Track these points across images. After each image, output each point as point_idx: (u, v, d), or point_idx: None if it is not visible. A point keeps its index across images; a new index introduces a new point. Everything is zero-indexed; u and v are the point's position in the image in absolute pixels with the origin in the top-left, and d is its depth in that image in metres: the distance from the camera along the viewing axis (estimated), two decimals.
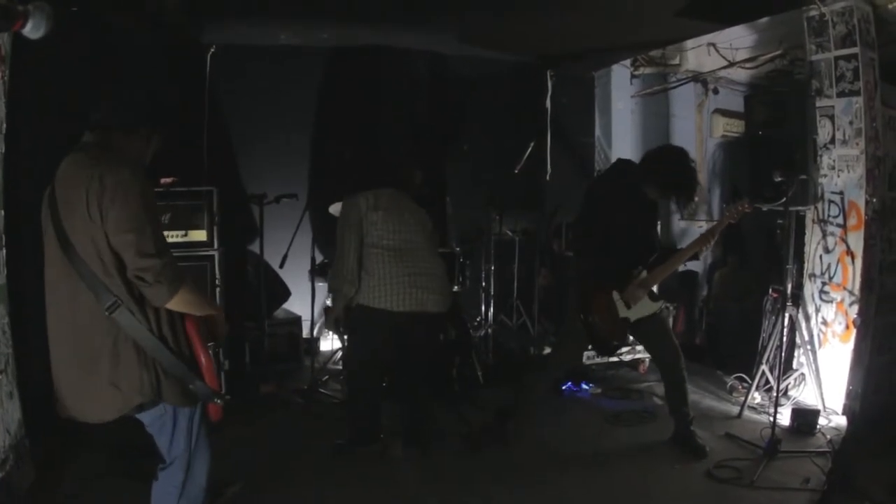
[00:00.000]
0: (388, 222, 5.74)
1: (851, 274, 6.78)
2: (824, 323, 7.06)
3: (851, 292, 6.77)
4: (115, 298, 3.32)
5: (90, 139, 3.58)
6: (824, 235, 7.03)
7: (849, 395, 6.73)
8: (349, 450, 5.90)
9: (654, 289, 6.24)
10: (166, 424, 3.62)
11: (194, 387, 3.47)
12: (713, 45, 9.48)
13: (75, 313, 3.40)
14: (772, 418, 6.05)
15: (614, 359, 8.05)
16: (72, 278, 3.36)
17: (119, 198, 3.29)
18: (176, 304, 3.43)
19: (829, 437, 6.32)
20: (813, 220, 7.14)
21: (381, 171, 6.28)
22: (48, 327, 3.53)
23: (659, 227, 6.67)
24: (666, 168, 5.90)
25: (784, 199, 6.39)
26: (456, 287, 7.67)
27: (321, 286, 8.18)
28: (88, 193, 3.28)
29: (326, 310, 7.91)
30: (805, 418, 6.52)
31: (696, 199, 6.35)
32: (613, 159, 9.74)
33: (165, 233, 3.56)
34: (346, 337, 6.83)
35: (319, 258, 7.90)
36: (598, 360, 7.90)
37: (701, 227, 10.48)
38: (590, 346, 6.42)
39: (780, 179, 6.36)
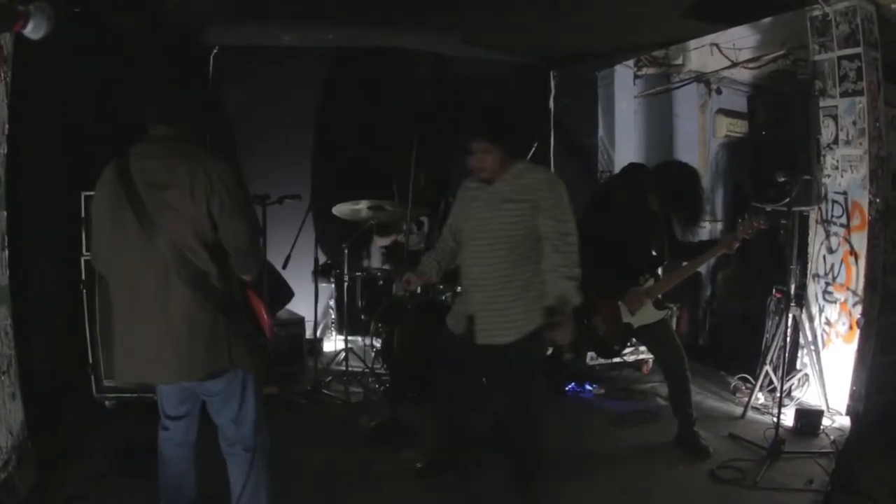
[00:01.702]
0: None
1: (855, 274, 6.76)
2: (828, 323, 7.04)
3: (855, 293, 6.75)
4: (199, 268, 3.64)
5: (165, 132, 3.80)
6: (828, 236, 7.01)
7: (852, 395, 6.72)
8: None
9: (660, 295, 6.25)
10: (236, 392, 3.90)
11: (258, 344, 3.84)
12: (716, 45, 9.47)
13: (156, 287, 3.64)
14: (775, 419, 6.05)
15: (618, 360, 8.05)
16: (152, 255, 3.61)
17: (224, 188, 3.63)
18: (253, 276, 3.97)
19: (832, 437, 6.30)
20: (816, 221, 7.13)
21: None
22: (117, 303, 3.82)
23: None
24: (673, 185, 5.92)
25: (787, 199, 6.38)
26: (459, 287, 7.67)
27: (324, 287, 8.17)
28: (194, 189, 3.57)
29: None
30: (808, 419, 6.51)
31: (701, 223, 6.34)
32: (617, 160, 9.75)
33: None
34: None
35: (322, 259, 7.90)
36: (602, 360, 7.88)
37: (703, 226, 10.48)
38: (591, 350, 6.42)
39: (783, 180, 6.36)
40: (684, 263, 6.32)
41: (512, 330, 4.87)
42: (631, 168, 6.49)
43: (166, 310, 3.62)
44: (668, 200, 6.01)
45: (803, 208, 6.93)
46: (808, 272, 7.24)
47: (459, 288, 5.42)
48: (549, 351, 6.19)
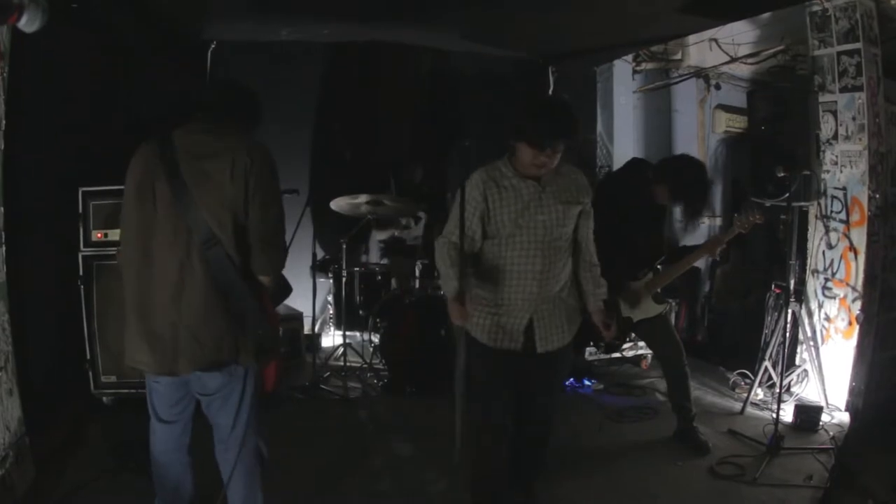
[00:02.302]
0: None
1: (854, 270, 6.77)
2: (827, 319, 7.04)
3: (854, 288, 6.75)
4: (223, 251, 3.60)
5: (212, 118, 3.84)
6: (827, 231, 7.01)
7: (852, 391, 6.73)
8: None
9: (659, 290, 6.25)
10: (236, 389, 3.84)
11: (263, 332, 3.70)
12: (715, 40, 9.48)
13: (178, 268, 3.62)
14: (774, 415, 6.05)
15: (616, 355, 8.06)
16: (178, 233, 3.61)
17: (266, 174, 3.67)
18: (271, 280, 3.85)
19: (832, 433, 6.29)
20: (815, 216, 7.13)
21: None
22: (135, 285, 3.75)
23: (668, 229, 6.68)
24: (684, 179, 5.92)
25: (786, 194, 6.38)
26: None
27: (323, 282, 8.16)
28: (235, 164, 3.58)
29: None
30: (808, 415, 6.50)
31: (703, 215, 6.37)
32: (615, 155, 9.74)
33: None
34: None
35: (321, 254, 7.89)
36: (601, 356, 7.88)
37: (703, 222, 10.48)
38: (591, 343, 6.40)
39: (782, 175, 6.36)
40: (685, 245, 6.36)
41: (567, 332, 4.71)
42: (633, 163, 6.49)
43: (183, 294, 3.61)
44: (679, 193, 6.00)
45: (802, 204, 6.93)
46: (808, 268, 7.24)
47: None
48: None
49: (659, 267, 6.23)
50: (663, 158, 6.26)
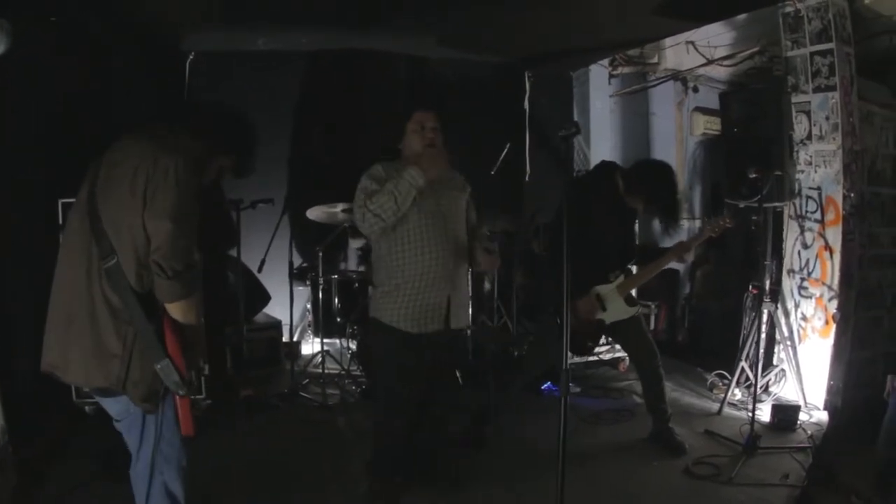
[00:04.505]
0: None
1: (830, 269, 6.79)
2: (804, 318, 7.06)
3: (830, 287, 6.77)
4: (119, 266, 3.29)
5: (155, 126, 3.58)
6: (802, 231, 7.03)
7: (829, 390, 6.75)
8: None
9: (633, 293, 6.27)
10: (135, 423, 3.53)
11: (161, 366, 3.32)
12: (692, 43, 9.51)
13: (81, 277, 3.39)
14: (751, 415, 6.05)
15: (594, 358, 8.05)
16: (86, 241, 3.37)
17: (168, 182, 3.27)
18: (179, 307, 3.39)
19: (810, 432, 6.30)
20: (790, 216, 7.15)
21: None
22: (52, 290, 3.56)
23: (637, 228, 6.70)
24: (657, 186, 5.95)
25: (759, 195, 6.40)
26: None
27: (301, 290, 8.16)
28: (137, 171, 3.27)
29: None
30: (785, 414, 6.52)
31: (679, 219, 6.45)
32: (593, 159, 9.76)
33: None
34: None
35: (298, 262, 7.88)
36: (578, 359, 7.85)
37: (682, 224, 10.50)
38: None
39: (754, 176, 6.38)
40: (660, 247, 6.40)
41: (468, 311, 5.19)
42: (602, 166, 6.49)
43: (82, 304, 3.36)
44: (651, 201, 6.03)
45: (776, 204, 6.96)
46: (784, 268, 7.25)
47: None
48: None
49: (632, 269, 6.25)
50: (630, 167, 6.24)
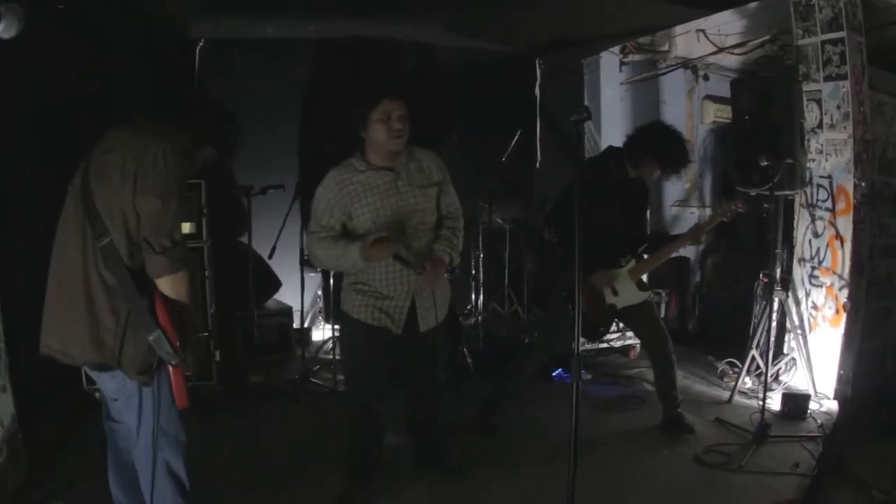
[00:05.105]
0: None
1: (841, 258, 6.78)
2: (814, 307, 7.06)
3: (841, 276, 6.77)
4: (114, 246, 3.50)
5: (144, 119, 3.80)
6: (813, 220, 7.02)
7: (840, 379, 6.75)
8: None
9: (644, 278, 6.27)
10: (132, 399, 3.70)
11: (154, 338, 3.52)
12: (702, 31, 9.48)
13: (79, 259, 3.57)
14: (761, 403, 6.05)
15: (604, 345, 8.09)
16: (81, 225, 3.56)
17: (156, 166, 3.48)
18: (168, 282, 3.58)
19: (820, 421, 6.31)
20: (801, 205, 7.14)
21: None
22: (49, 274, 3.72)
23: (648, 215, 6.69)
24: (659, 144, 5.92)
25: (770, 183, 6.40)
26: (446, 275, 7.66)
27: (311, 277, 8.18)
28: (128, 157, 3.49)
29: None
30: (796, 403, 6.52)
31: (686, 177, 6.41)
32: (603, 147, 9.75)
33: None
34: None
35: None
36: (589, 346, 7.85)
37: (693, 213, 10.50)
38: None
39: (766, 164, 6.38)
40: (672, 234, 6.37)
41: (442, 309, 4.95)
42: (609, 151, 6.48)
43: (78, 283, 3.56)
44: (665, 161, 5.98)
45: (787, 192, 6.96)
46: (794, 256, 7.25)
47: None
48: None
49: (644, 255, 6.25)
50: (627, 141, 6.18)
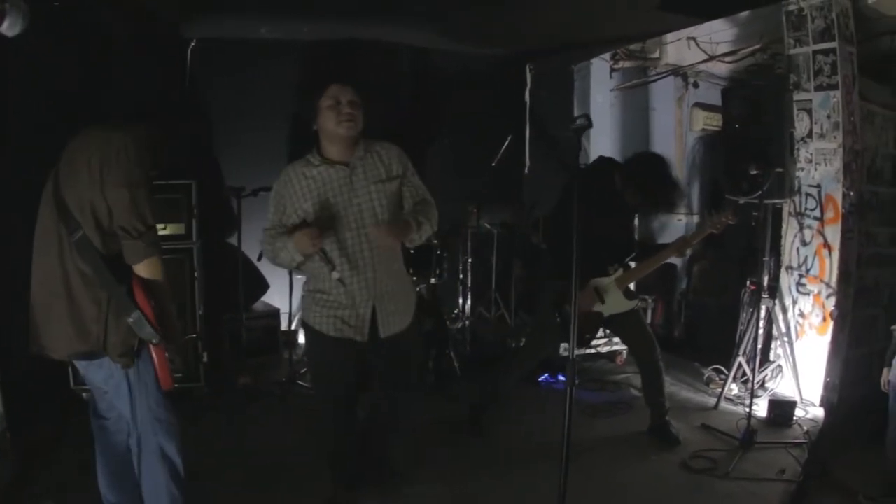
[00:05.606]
0: None
1: (828, 266, 6.81)
2: (801, 315, 7.09)
3: (828, 285, 6.80)
4: (88, 238, 3.64)
5: (108, 122, 3.89)
6: (801, 228, 7.05)
7: (826, 386, 6.78)
8: None
9: (632, 286, 6.29)
10: (122, 385, 3.82)
11: (134, 319, 3.66)
12: (693, 39, 9.51)
13: (56, 254, 3.71)
14: (748, 409, 6.08)
15: (591, 350, 8.10)
16: (55, 222, 3.70)
17: (119, 157, 3.63)
18: (146, 266, 3.74)
19: (806, 428, 6.35)
20: (790, 213, 7.17)
21: None
22: (31, 277, 3.86)
23: (637, 222, 6.71)
24: (652, 180, 5.94)
25: (759, 192, 6.43)
26: (433, 279, 7.67)
27: (299, 279, 8.18)
28: (93, 153, 3.63)
29: None
30: (782, 409, 6.55)
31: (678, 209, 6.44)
32: (592, 153, 9.76)
33: None
34: None
35: None
36: (576, 351, 7.89)
37: (680, 220, 10.51)
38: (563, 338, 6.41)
39: (755, 172, 6.41)
40: (660, 243, 6.40)
41: (407, 313, 4.82)
42: (600, 161, 6.52)
43: (58, 279, 3.69)
44: (649, 193, 6.02)
45: (776, 201, 6.99)
46: (782, 264, 7.28)
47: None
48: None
49: (631, 264, 6.27)
50: (626, 161, 6.24)
